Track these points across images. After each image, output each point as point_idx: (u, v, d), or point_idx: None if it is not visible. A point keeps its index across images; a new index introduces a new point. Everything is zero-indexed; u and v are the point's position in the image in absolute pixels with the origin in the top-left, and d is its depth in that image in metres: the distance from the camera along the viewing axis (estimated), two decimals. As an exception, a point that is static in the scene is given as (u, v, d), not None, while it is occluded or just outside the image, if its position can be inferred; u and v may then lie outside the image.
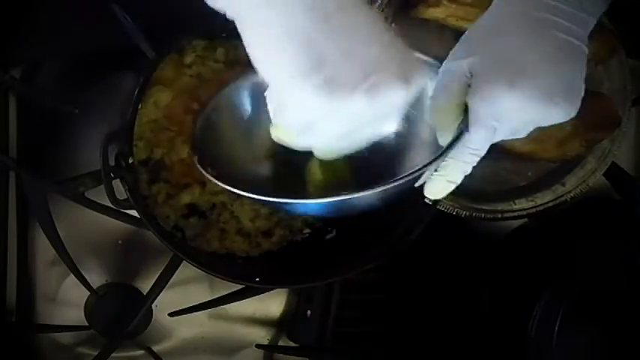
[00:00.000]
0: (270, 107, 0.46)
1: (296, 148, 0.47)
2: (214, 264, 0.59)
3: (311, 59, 0.40)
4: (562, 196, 0.73)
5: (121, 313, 0.70)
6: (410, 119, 0.53)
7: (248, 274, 0.59)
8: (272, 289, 0.70)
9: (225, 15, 0.42)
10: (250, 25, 0.41)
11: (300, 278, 0.61)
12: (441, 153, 0.47)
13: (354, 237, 0.64)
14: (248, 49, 0.42)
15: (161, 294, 0.68)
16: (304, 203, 0.49)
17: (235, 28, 0.42)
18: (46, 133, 0.71)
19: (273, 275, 0.62)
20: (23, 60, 0.69)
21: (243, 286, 0.64)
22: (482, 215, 0.71)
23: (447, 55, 0.51)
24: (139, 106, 0.59)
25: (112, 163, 0.55)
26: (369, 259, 0.59)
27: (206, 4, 0.42)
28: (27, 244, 0.70)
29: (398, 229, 0.59)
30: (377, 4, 0.69)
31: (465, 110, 0.47)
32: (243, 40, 0.42)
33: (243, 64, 0.59)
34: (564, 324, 0.60)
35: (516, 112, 0.47)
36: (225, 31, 0.61)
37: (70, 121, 0.70)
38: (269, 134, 0.48)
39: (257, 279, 0.58)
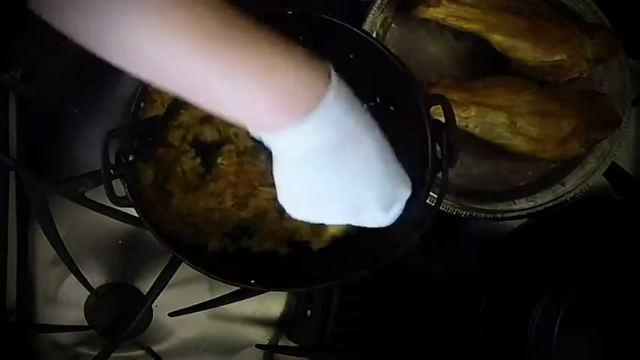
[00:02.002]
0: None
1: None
2: (212, 265, 0.59)
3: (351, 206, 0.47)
4: (562, 196, 0.73)
5: (121, 313, 0.70)
6: None
7: (246, 275, 0.59)
8: (266, 292, 0.70)
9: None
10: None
11: (299, 282, 0.61)
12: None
13: (355, 239, 0.64)
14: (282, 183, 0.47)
15: (161, 294, 0.68)
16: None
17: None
18: (46, 133, 0.71)
19: (272, 277, 0.62)
20: (23, 60, 0.69)
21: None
22: (482, 215, 0.71)
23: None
24: (141, 105, 0.59)
25: (112, 161, 0.55)
26: (370, 262, 0.59)
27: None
28: (27, 244, 0.70)
29: (398, 231, 0.59)
30: (377, 4, 0.70)
31: None
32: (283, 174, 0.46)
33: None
34: (564, 324, 0.59)
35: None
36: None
37: (70, 121, 0.70)
38: None
39: (252, 281, 0.58)
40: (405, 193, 0.49)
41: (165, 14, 0.36)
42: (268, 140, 0.44)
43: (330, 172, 0.45)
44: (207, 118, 0.63)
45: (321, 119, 0.42)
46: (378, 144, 0.46)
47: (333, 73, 0.42)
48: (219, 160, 0.63)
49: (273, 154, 0.45)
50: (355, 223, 0.49)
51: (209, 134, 0.64)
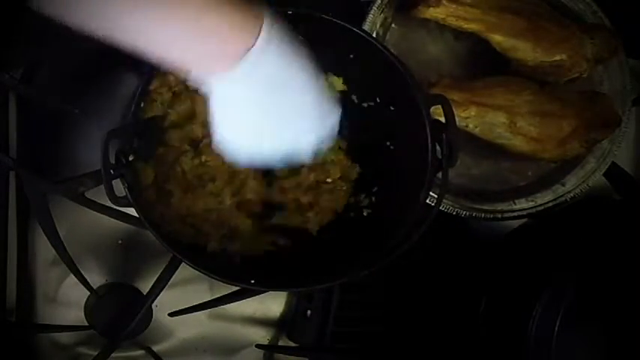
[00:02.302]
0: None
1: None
2: (212, 265, 0.59)
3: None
4: (562, 196, 0.73)
5: (121, 313, 0.70)
6: None
7: (245, 275, 0.59)
8: (266, 292, 0.70)
9: None
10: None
11: (298, 282, 0.61)
12: None
13: (354, 239, 0.64)
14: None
15: (161, 294, 0.68)
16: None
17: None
18: (46, 133, 0.71)
19: (272, 277, 0.62)
20: (23, 60, 0.69)
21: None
22: (482, 215, 0.71)
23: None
24: (141, 105, 0.59)
25: (112, 161, 0.55)
26: (370, 262, 0.59)
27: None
28: (27, 244, 0.70)
29: (398, 231, 0.59)
30: (377, 4, 0.70)
31: None
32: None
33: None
34: (564, 324, 0.59)
35: None
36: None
37: (70, 121, 0.70)
38: None
39: (252, 281, 0.58)
40: (332, 121, 0.54)
41: None
42: (205, 83, 0.48)
43: (261, 108, 0.50)
44: (192, 116, 0.64)
45: (252, 63, 0.46)
46: (309, 78, 0.51)
47: (265, 26, 0.46)
48: (203, 158, 0.63)
49: (211, 95, 0.50)
50: (289, 156, 0.53)
51: (199, 132, 0.64)
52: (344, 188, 0.67)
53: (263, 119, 0.51)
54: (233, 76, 0.47)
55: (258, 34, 0.46)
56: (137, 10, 0.41)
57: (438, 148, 0.58)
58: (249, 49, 0.46)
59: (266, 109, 0.50)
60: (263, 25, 0.46)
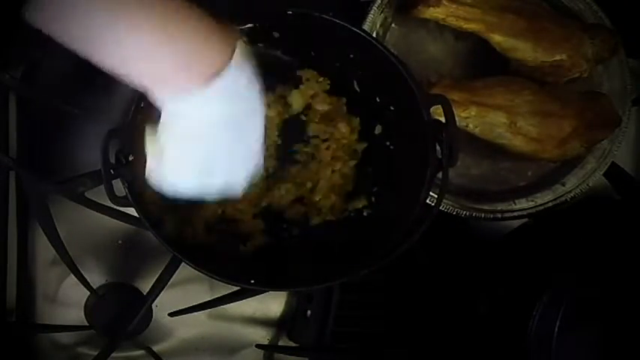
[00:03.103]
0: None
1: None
2: (212, 265, 0.59)
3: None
4: (562, 196, 0.73)
5: (121, 313, 0.70)
6: None
7: (245, 275, 0.59)
8: (266, 292, 0.70)
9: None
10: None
11: (298, 282, 0.61)
12: None
13: (355, 239, 0.64)
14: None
15: (161, 294, 0.68)
16: None
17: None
18: (46, 133, 0.71)
19: (271, 277, 0.62)
20: (23, 60, 0.69)
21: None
22: (483, 215, 0.71)
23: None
24: (141, 105, 0.59)
25: (112, 160, 0.55)
26: (370, 262, 0.59)
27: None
28: (27, 244, 0.70)
29: (398, 231, 0.59)
30: (377, 4, 0.70)
31: None
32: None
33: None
34: (564, 324, 0.59)
35: None
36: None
37: (70, 121, 0.70)
38: None
39: (252, 281, 0.58)
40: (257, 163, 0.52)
41: None
42: (165, 103, 0.46)
43: (209, 136, 0.48)
44: None
45: (218, 88, 0.44)
46: (260, 114, 0.50)
47: (238, 50, 0.45)
48: None
49: (163, 117, 0.47)
50: (218, 189, 0.51)
51: None
52: (348, 162, 0.67)
53: (207, 149, 0.48)
54: (193, 98, 0.44)
55: (231, 57, 0.44)
56: (113, 18, 0.40)
57: (437, 148, 0.58)
58: (218, 72, 0.44)
59: (213, 139, 0.48)
60: (236, 49, 0.45)
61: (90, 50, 0.42)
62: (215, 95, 0.45)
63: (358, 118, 0.67)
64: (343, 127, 0.67)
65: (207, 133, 0.47)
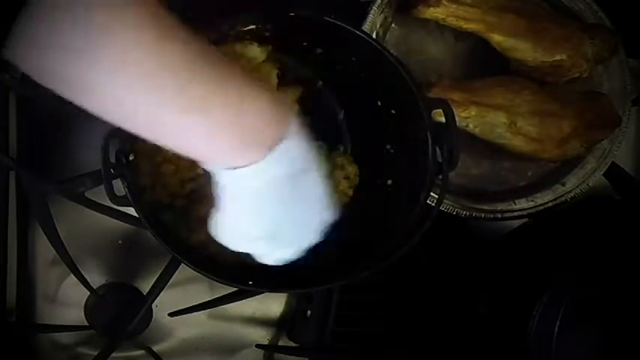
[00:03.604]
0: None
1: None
2: (212, 265, 0.59)
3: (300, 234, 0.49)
4: (562, 196, 0.73)
5: (121, 313, 0.70)
6: None
7: (244, 276, 0.59)
8: (264, 293, 0.70)
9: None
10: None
11: (298, 283, 0.61)
12: None
13: (355, 240, 0.64)
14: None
15: (161, 294, 0.68)
16: None
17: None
18: (46, 133, 0.71)
19: (271, 278, 0.61)
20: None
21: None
22: (483, 215, 0.71)
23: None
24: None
25: (112, 160, 0.55)
26: (370, 264, 0.59)
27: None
28: (27, 244, 0.70)
29: (399, 232, 0.59)
30: (377, 4, 0.70)
31: None
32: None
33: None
34: (564, 324, 0.59)
35: None
36: (230, 32, 0.61)
37: (70, 121, 0.70)
38: None
39: (250, 282, 0.58)
40: (332, 214, 0.51)
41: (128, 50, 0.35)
42: (221, 174, 0.44)
43: (281, 203, 0.46)
44: None
45: (279, 156, 0.43)
46: (319, 176, 0.48)
47: (294, 109, 0.44)
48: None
49: (221, 184, 0.46)
50: (296, 250, 0.50)
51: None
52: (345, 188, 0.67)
53: (272, 213, 0.47)
54: (256, 168, 0.43)
55: (289, 126, 0.43)
56: (157, 89, 0.37)
57: (438, 150, 0.58)
58: (280, 141, 0.42)
59: (276, 203, 0.46)
60: (293, 116, 0.44)
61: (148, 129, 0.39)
62: (275, 161, 0.43)
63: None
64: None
65: (269, 197, 0.46)
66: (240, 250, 0.50)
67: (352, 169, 0.67)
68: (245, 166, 0.42)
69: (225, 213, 0.47)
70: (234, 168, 0.43)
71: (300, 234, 0.49)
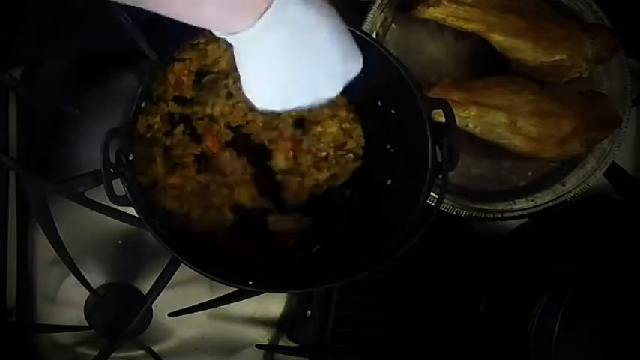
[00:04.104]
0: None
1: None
2: (212, 265, 0.59)
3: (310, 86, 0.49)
4: (562, 196, 0.73)
5: (121, 313, 0.70)
6: None
7: (244, 276, 0.59)
8: (264, 293, 0.70)
9: None
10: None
11: (298, 283, 0.61)
12: None
13: (355, 240, 0.64)
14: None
15: (161, 294, 0.68)
16: None
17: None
18: (46, 133, 0.71)
19: (270, 278, 0.62)
20: (23, 60, 0.69)
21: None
22: (483, 215, 0.71)
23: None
24: (141, 105, 0.59)
25: (112, 160, 0.55)
26: (370, 264, 0.59)
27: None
28: (27, 244, 0.70)
29: (399, 232, 0.59)
30: (377, 4, 0.70)
31: None
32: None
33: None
34: (564, 324, 0.59)
35: None
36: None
37: (70, 121, 0.70)
38: None
39: (250, 282, 0.58)
40: (356, 66, 0.51)
41: None
42: (229, 39, 0.46)
43: (289, 59, 0.47)
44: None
45: (276, 18, 0.43)
46: (334, 27, 0.48)
47: None
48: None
49: (235, 49, 0.47)
50: (315, 100, 0.50)
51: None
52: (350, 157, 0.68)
53: (291, 64, 0.47)
54: (259, 26, 0.43)
55: None
56: None
57: (438, 150, 0.58)
58: (271, 2, 0.43)
59: (292, 55, 0.47)
60: None
61: None
62: (275, 22, 0.44)
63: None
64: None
65: (285, 48, 0.46)
66: (269, 109, 0.50)
67: (355, 129, 0.68)
68: (242, 29, 0.44)
69: (246, 78, 0.49)
70: (234, 33, 0.44)
71: (310, 85, 0.49)
